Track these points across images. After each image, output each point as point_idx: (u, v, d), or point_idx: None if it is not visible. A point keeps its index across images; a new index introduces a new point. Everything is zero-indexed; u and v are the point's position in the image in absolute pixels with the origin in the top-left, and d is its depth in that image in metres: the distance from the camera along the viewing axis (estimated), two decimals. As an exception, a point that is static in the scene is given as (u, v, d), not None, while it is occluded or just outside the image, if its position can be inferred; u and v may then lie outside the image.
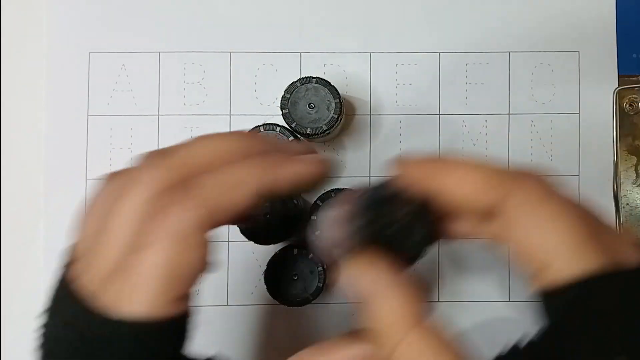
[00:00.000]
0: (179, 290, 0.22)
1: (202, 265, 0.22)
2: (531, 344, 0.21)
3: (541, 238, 0.21)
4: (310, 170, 0.24)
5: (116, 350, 0.21)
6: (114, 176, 0.24)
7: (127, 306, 0.21)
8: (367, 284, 0.23)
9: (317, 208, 0.37)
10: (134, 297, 0.21)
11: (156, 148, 0.42)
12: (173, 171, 0.22)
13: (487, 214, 0.23)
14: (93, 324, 0.22)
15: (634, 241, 0.22)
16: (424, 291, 0.24)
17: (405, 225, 0.24)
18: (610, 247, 0.21)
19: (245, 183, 0.22)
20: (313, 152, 0.26)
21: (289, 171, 0.23)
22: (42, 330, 0.24)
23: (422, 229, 0.24)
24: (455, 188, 0.23)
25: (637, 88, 0.42)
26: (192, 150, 0.24)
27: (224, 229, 0.42)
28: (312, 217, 0.37)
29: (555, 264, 0.21)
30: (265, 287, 0.37)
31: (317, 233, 0.37)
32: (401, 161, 0.25)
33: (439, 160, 0.24)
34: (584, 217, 0.21)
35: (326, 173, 0.25)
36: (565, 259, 0.20)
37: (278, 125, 0.37)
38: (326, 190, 0.38)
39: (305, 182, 0.24)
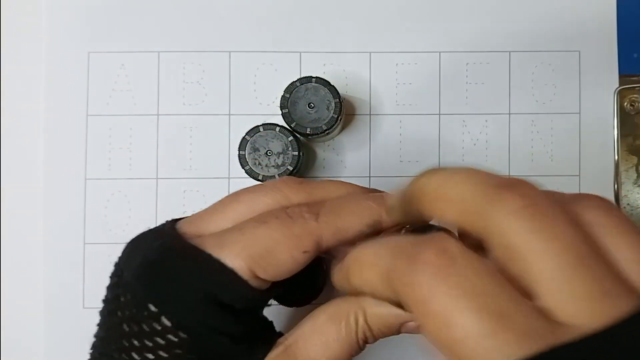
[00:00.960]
0: (259, 270, 0.24)
1: (290, 267, 0.24)
2: None
3: (440, 340, 0.17)
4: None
5: (188, 276, 0.23)
6: None
7: (215, 250, 0.23)
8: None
9: None
10: (225, 248, 0.23)
11: (155, 148, 0.42)
12: (308, 191, 0.26)
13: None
14: (174, 251, 0.24)
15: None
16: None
17: None
18: (528, 324, 0.16)
19: (364, 214, 0.25)
20: None
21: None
22: (124, 254, 0.27)
23: None
24: (366, 286, 0.22)
25: (638, 88, 0.42)
26: (320, 183, 0.27)
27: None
28: None
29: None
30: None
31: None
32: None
33: (351, 255, 0.23)
34: (488, 295, 0.17)
35: None
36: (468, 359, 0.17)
37: (278, 125, 0.37)
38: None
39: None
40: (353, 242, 0.25)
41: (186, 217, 0.27)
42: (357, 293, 0.23)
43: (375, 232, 0.25)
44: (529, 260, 0.17)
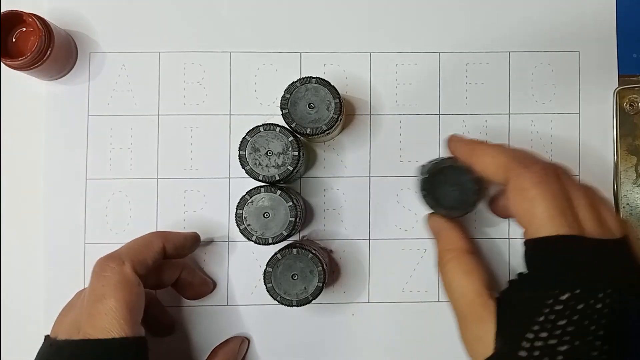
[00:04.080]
0: (136, 316, 0.32)
1: (142, 296, 0.34)
2: (513, 281, 0.32)
3: (523, 210, 0.31)
4: (189, 237, 0.40)
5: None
6: None
7: (104, 333, 0.31)
8: (434, 226, 0.37)
9: None
10: (108, 327, 0.31)
11: (156, 148, 0.42)
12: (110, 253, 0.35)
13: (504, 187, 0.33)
14: (57, 352, 0.32)
15: (605, 218, 0.31)
16: (467, 233, 0.37)
17: (464, 188, 0.35)
18: (574, 222, 0.30)
19: (152, 245, 0.36)
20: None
21: (176, 237, 0.38)
22: None
23: (474, 192, 0.35)
24: (484, 166, 0.34)
25: (637, 88, 0.42)
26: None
27: (224, 226, 0.42)
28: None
29: (530, 228, 0.31)
30: (265, 287, 0.37)
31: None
32: (451, 139, 0.37)
33: (476, 144, 0.35)
34: (558, 199, 0.30)
35: (197, 239, 0.40)
36: (536, 225, 0.30)
37: (278, 125, 0.37)
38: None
39: (185, 244, 0.39)
40: (153, 264, 0.36)
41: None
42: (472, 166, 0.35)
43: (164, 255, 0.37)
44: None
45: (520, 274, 0.31)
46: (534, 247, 0.30)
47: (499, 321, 0.30)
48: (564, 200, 0.31)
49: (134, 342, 0.32)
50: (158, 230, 0.42)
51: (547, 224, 0.30)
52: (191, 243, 0.40)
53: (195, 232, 0.41)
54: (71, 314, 0.34)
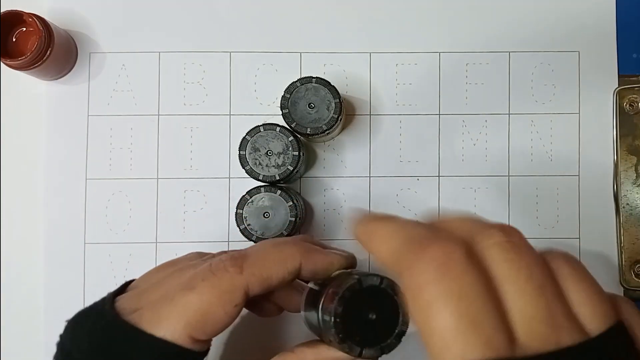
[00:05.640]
0: (198, 334, 0.26)
1: (226, 321, 0.27)
2: None
3: (419, 324, 0.20)
4: (338, 261, 0.30)
5: (135, 356, 0.26)
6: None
7: (154, 326, 0.26)
8: None
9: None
10: (163, 322, 0.26)
11: (156, 148, 0.42)
12: (236, 252, 0.29)
13: None
14: (118, 332, 0.27)
15: (535, 323, 0.19)
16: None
17: (379, 323, 0.26)
18: (501, 332, 0.19)
19: (286, 262, 0.29)
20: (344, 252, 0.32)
21: (321, 259, 0.30)
22: (68, 333, 0.28)
23: (395, 325, 0.26)
24: (377, 254, 0.23)
25: (637, 88, 0.42)
26: (255, 244, 0.31)
27: (224, 226, 0.42)
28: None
29: (430, 353, 0.19)
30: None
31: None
32: (352, 220, 0.26)
33: (374, 221, 0.24)
34: (470, 298, 0.19)
35: (349, 266, 0.31)
36: (438, 347, 0.19)
37: (278, 125, 0.37)
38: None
39: (330, 270, 0.30)
40: (277, 287, 0.29)
41: (126, 292, 0.29)
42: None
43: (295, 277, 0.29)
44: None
45: None
46: None
47: None
48: (481, 298, 0.19)
49: (178, 354, 0.26)
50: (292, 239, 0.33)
51: (452, 346, 0.19)
52: (338, 267, 0.30)
53: (350, 255, 0.32)
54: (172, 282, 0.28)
